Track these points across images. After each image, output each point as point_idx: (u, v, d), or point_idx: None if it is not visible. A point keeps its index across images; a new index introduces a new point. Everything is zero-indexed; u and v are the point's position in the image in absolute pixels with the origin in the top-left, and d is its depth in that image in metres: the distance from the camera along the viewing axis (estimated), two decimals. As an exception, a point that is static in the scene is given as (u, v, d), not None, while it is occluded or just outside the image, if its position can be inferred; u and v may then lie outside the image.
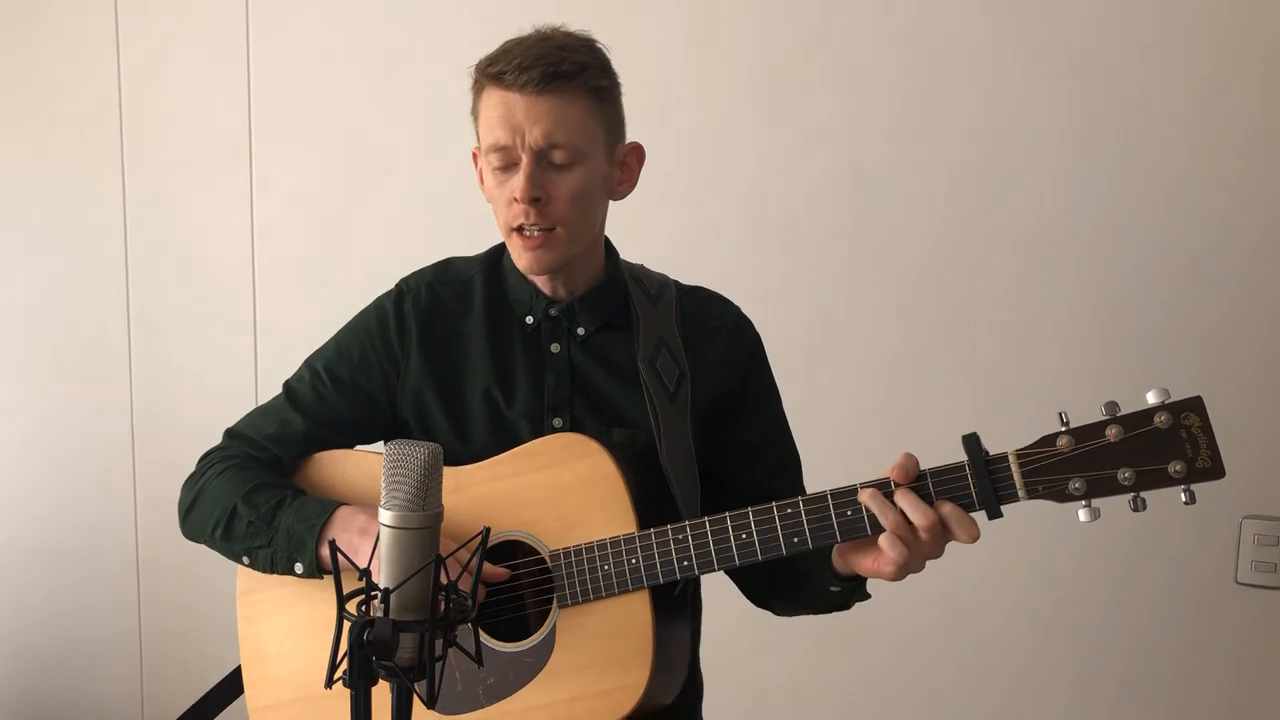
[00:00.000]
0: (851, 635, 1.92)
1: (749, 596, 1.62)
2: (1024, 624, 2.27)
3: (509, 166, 1.41)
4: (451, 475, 1.47)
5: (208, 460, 1.60)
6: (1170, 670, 2.20)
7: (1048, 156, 2.17)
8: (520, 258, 1.47)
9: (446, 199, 2.51)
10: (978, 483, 1.27)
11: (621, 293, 1.55)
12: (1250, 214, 2.09)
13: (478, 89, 1.45)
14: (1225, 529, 2.12)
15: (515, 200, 1.41)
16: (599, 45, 1.47)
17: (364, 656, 1.11)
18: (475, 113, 1.46)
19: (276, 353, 2.66)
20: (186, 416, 2.76)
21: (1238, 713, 2.18)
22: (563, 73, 1.38)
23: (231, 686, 1.71)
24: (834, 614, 1.52)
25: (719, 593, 1.62)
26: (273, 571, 1.49)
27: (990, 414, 2.19)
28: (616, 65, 1.49)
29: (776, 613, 1.62)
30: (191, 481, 1.59)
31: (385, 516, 1.15)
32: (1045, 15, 2.15)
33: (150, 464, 2.83)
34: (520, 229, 1.43)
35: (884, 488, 1.30)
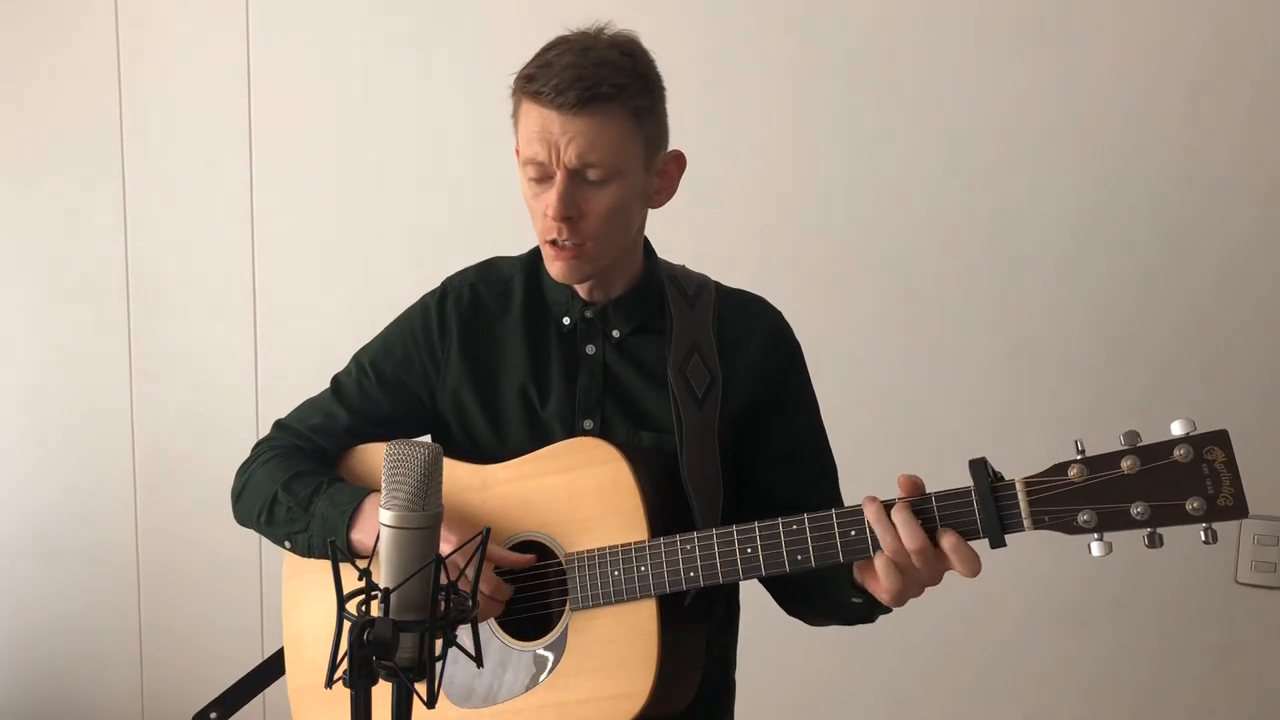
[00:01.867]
0: (874, 641, 1.92)
1: (782, 606, 1.61)
2: (1022, 625, 2.27)
3: (544, 180, 1.42)
4: (479, 473, 1.52)
5: (257, 450, 1.65)
6: (1170, 670, 2.20)
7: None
8: (551, 266, 1.48)
9: (447, 199, 2.51)
10: (982, 510, 1.24)
11: (658, 295, 1.56)
12: (1245, 211, 2.10)
13: (516, 100, 1.44)
14: (1225, 529, 2.11)
15: (548, 216, 1.41)
16: (642, 52, 1.45)
17: (364, 656, 1.11)
18: (514, 120, 1.46)
19: (277, 352, 2.65)
20: (186, 417, 2.75)
21: (1239, 713, 2.18)
22: (600, 94, 1.36)
23: (276, 665, 1.74)
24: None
25: (753, 596, 1.63)
26: (310, 555, 1.54)
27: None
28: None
29: (809, 623, 1.61)
30: (242, 470, 1.65)
31: (385, 516, 1.15)
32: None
33: (150, 465, 2.83)
34: (553, 241, 1.44)
35: (889, 508, 1.28)
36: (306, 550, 1.54)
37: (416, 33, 2.52)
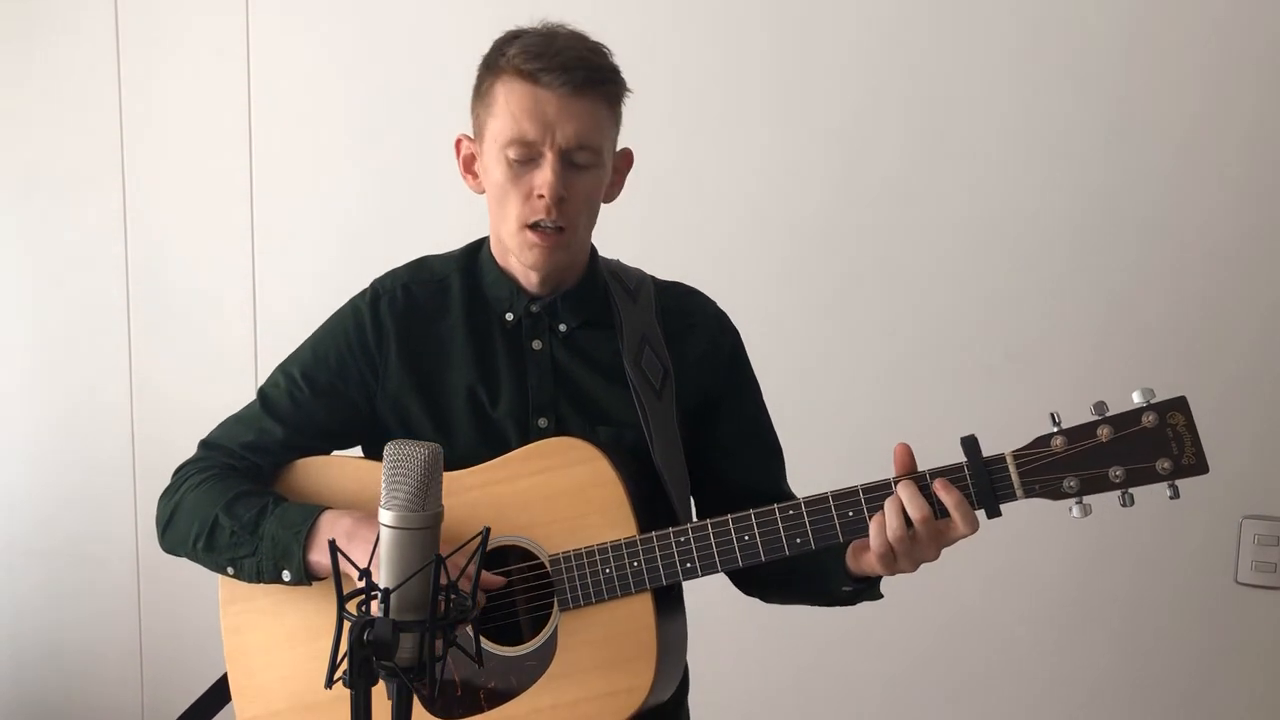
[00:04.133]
0: (847, 631, 1.92)
1: (737, 583, 1.60)
2: (1023, 625, 2.27)
3: (528, 161, 1.40)
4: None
5: (183, 473, 1.57)
6: (1170, 670, 2.20)
7: (1041, 155, 2.18)
8: (528, 253, 1.44)
9: (449, 199, 2.50)
10: (977, 482, 1.29)
11: (602, 290, 1.54)
12: (1243, 210, 2.10)
13: (494, 78, 1.41)
14: (1225, 529, 2.12)
15: (538, 196, 1.39)
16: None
17: (364, 656, 1.11)
18: (485, 102, 1.43)
19: (277, 353, 2.65)
20: (186, 418, 2.72)
21: (1238, 713, 2.18)
22: (598, 78, 1.39)
23: (218, 696, 1.69)
24: (830, 610, 1.53)
25: (708, 584, 1.61)
26: (259, 581, 1.47)
27: (984, 412, 2.18)
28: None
29: (766, 601, 1.60)
30: (168, 495, 1.57)
31: (385, 517, 1.15)
32: (1050, 17, 2.15)
33: (150, 465, 2.83)
34: (536, 225, 1.41)
35: (884, 489, 1.32)
36: (255, 575, 1.46)
37: (419, 31, 2.51)
